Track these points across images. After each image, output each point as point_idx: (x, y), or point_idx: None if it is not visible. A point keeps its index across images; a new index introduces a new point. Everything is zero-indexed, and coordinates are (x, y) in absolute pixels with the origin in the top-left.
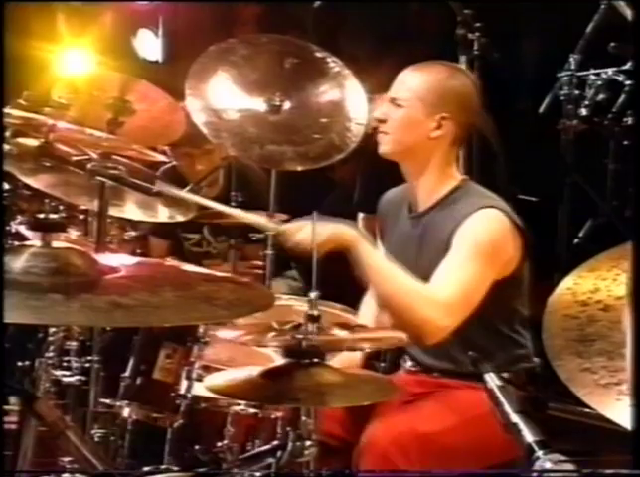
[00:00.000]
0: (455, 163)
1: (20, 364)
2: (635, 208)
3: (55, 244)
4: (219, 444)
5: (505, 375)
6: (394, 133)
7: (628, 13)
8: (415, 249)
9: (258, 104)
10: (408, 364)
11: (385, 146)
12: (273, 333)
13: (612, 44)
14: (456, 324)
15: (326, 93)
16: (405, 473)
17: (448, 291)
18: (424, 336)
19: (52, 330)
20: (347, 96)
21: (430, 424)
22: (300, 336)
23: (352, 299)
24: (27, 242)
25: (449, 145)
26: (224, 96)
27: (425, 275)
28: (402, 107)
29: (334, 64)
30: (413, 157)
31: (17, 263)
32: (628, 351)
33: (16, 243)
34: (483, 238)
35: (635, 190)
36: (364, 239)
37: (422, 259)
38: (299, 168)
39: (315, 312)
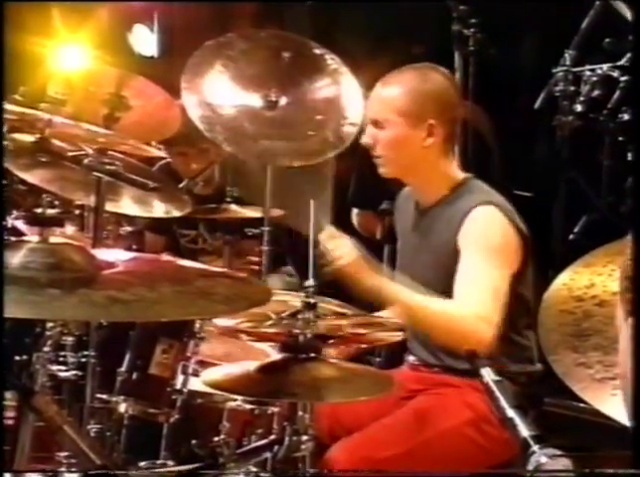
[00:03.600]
0: (453, 158)
1: (17, 358)
2: (634, 203)
3: (52, 240)
4: (215, 439)
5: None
6: (387, 154)
7: (623, 9)
8: (419, 244)
9: (254, 100)
10: (411, 358)
11: (383, 168)
12: (270, 322)
13: (607, 40)
14: (494, 328)
15: (322, 90)
16: (404, 472)
17: (475, 300)
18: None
19: (49, 325)
20: (343, 94)
21: (390, 449)
22: (297, 331)
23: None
24: (24, 238)
25: (441, 144)
26: (220, 91)
27: (426, 270)
28: (386, 128)
29: (332, 61)
30: (414, 169)
31: (15, 258)
32: (621, 346)
33: (12, 239)
34: (488, 237)
35: (634, 185)
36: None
37: (425, 254)
38: (292, 164)
39: (312, 300)
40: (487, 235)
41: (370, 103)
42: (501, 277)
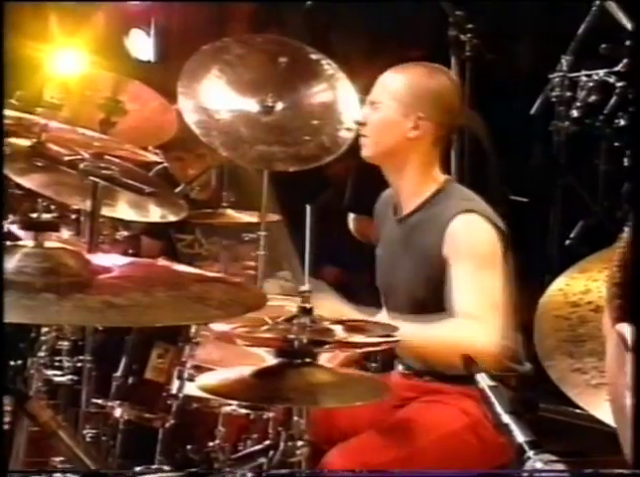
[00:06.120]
0: (437, 164)
1: (12, 363)
2: (633, 208)
3: (47, 244)
4: (210, 444)
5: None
6: (372, 135)
7: (619, 15)
8: (400, 252)
9: (251, 105)
10: (400, 367)
11: (365, 149)
12: (266, 327)
13: (603, 45)
14: (499, 335)
15: (318, 95)
16: (402, 473)
17: (478, 316)
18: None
19: (44, 330)
20: (339, 99)
21: (386, 454)
22: (293, 336)
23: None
24: (20, 242)
25: (429, 146)
26: (216, 96)
27: (407, 278)
28: (380, 109)
29: (328, 66)
30: (393, 159)
31: (10, 263)
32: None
33: (8, 243)
34: (476, 248)
35: (632, 190)
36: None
37: (406, 262)
38: (288, 169)
39: (308, 305)
40: (475, 246)
41: (374, 87)
42: (492, 282)
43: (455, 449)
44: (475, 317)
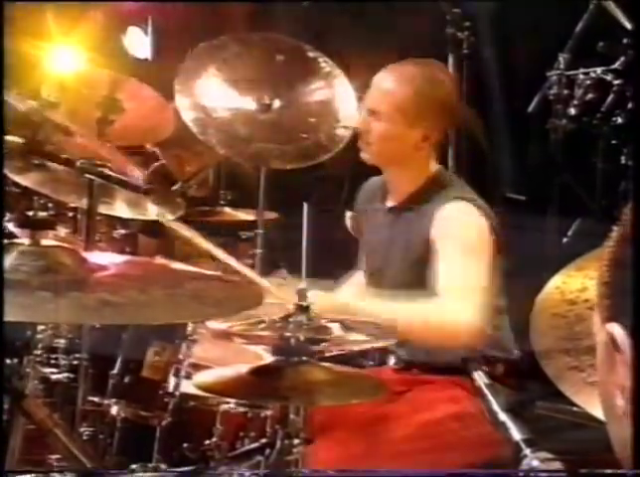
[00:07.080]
0: (433, 156)
1: (8, 361)
2: (634, 206)
3: (44, 242)
4: (207, 442)
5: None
6: (376, 145)
7: (617, 13)
8: (389, 239)
9: (248, 102)
10: (392, 361)
11: (369, 156)
12: (263, 325)
13: (601, 43)
14: (480, 319)
15: (316, 93)
16: (397, 472)
17: (461, 299)
18: (461, 345)
19: (40, 327)
20: (337, 97)
21: (369, 444)
22: (289, 334)
23: None
24: (16, 240)
25: (431, 147)
26: (213, 94)
27: (397, 265)
28: (382, 120)
29: (325, 64)
30: (397, 164)
31: (5, 261)
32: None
33: (4, 241)
34: (464, 232)
35: (634, 189)
36: (353, 302)
37: (395, 247)
38: (285, 166)
39: (304, 302)
40: (461, 230)
41: (370, 92)
42: (481, 271)
43: (439, 437)
44: (458, 297)
